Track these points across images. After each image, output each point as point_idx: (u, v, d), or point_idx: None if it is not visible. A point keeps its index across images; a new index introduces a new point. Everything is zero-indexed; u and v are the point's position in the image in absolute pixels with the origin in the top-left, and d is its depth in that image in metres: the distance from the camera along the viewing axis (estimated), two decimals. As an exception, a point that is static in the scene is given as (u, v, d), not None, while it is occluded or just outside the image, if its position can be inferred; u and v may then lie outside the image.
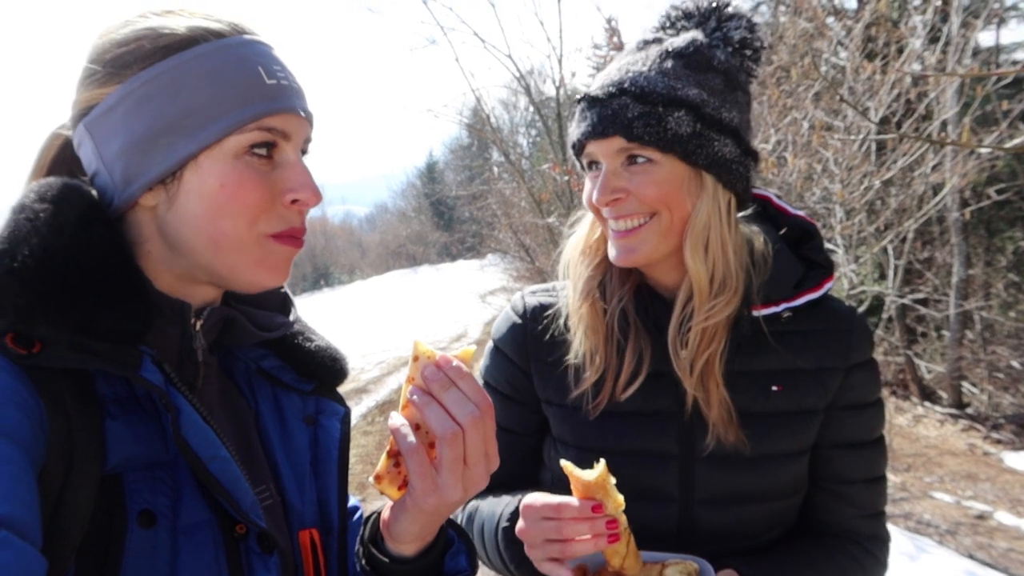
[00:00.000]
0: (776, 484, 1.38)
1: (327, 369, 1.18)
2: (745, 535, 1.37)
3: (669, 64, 1.32)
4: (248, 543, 0.95)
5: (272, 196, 0.97)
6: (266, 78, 0.96)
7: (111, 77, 0.94)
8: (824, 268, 1.41)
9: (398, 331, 17.64)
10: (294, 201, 0.98)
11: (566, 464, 1.18)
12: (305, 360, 1.16)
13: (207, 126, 0.93)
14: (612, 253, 1.38)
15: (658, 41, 1.38)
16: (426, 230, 48.86)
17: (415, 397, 0.96)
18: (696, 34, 1.36)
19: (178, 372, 0.99)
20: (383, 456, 0.99)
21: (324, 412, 1.16)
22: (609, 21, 8.09)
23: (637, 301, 1.44)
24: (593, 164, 1.39)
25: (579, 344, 1.45)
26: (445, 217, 47.02)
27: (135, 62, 0.93)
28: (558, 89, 11.88)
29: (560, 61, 11.24)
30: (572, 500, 1.19)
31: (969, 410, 8.66)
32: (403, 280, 36.20)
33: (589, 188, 1.38)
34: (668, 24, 1.43)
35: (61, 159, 1.03)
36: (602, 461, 1.17)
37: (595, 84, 1.38)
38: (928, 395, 9.14)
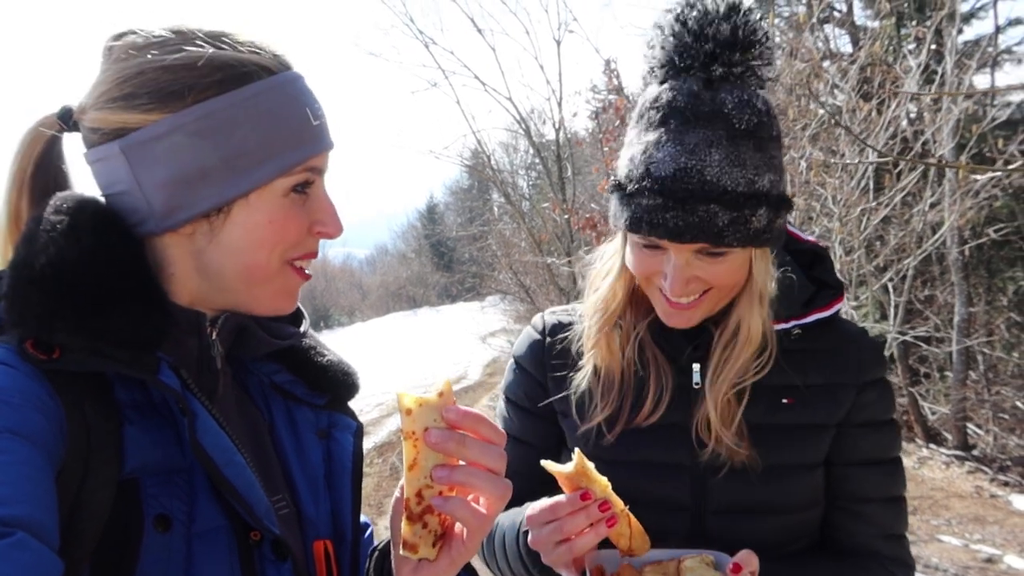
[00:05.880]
0: (787, 497, 1.38)
1: (339, 383, 1.19)
2: (758, 548, 1.34)
3: (746, 148, 1.25)
4: (262, 550, 0.96)
5: (305, 229, 1.02)
6: (312, 119, 1.00)
7: (158, 105, 0.93)
8: (834, 289, 1.43)
9: (398, 373, 17.53)
10: (319, 232, 1.03)
11: (545, 462, 1.20)
12: (317, 374, 1.18)
13: (261, 167, 0.96)
14: (662, 317, 1.39)
15: (708, 85, 1.27)
16: (426, 272, 48.96)
17: (448, 473, 0.90)
18: (749, 93, 1.27)
19: (198, 381, 1.00)
20: (404, 525, 0.92)
21: (337, 426, 1.18)
22: (608, 63, 8.21)
23: (653, 332, 1.45)
24: (649, 245, 1.32)
25: (595, 373, 1.47)
26: (445, 258, 47.11)
27: (187, 94, 0.93)
28: (558, 131, 12.01)
29: (560, 104, 11.40)
30: (563, 497, 1.20)
31: (975, 452, 8.53)
32: (403, 322, 36.12)
33: (643, 261, 1.34)
34: (680, 60, 1.29)
35: (48, 159, 1.02)
36: (576, 450, 1.19)
37: (653, 169, 1.26)
38: (933, 437, 9.03)
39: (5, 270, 0.89)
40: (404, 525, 0.92)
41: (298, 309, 1.20)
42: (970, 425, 8.81)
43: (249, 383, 1.16)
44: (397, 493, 0.98)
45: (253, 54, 0.98)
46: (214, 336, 1.04)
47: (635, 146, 1.32)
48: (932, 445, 8.80)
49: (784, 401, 1.38)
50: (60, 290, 0.86)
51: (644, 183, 1.26)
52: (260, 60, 0.98)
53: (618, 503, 1.20)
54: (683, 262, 1.29)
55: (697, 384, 1.41)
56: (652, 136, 1.28)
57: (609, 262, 1.50)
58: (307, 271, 1.06)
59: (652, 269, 1.33)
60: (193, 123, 0.93)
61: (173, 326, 0.95)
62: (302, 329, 1.18)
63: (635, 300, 1.47)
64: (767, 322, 1.37)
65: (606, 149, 8.39)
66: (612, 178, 1.39)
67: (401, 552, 0.94)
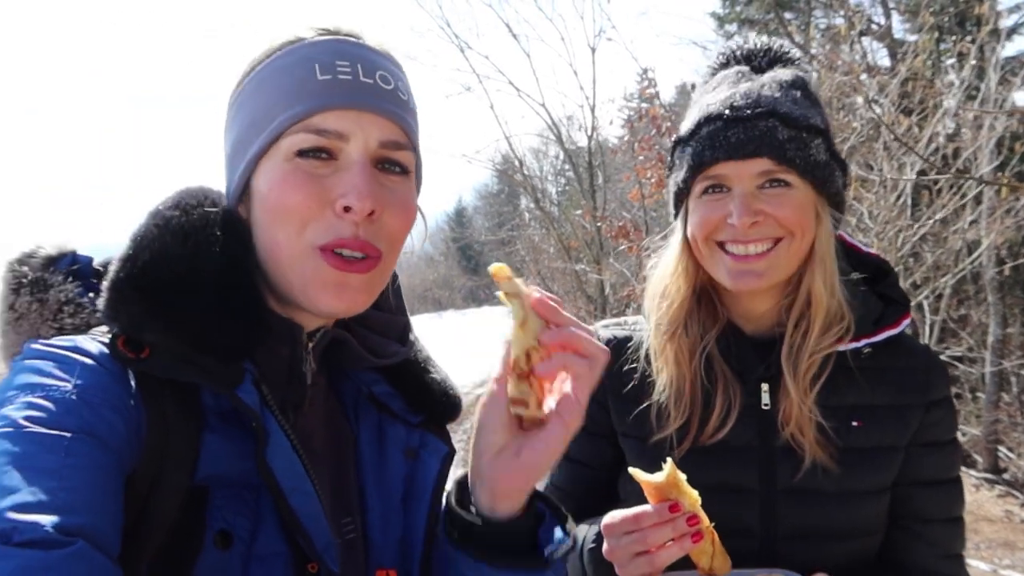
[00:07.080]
0: (858, 521, 1.36)
1: (439, 403, 1.12)
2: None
3: (797, 93, 1.33)
4: None
5: (322, 201, 0.89)
6: (319, 74, 0.89)
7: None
8: (901, 305, 1.41)
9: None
10: (347, 209, 0.88)
11: (634, 470, 1.16)
12: (418, 390, 1.10)
13: (262, 131, 0.91)
14: (728, 280, 1.34)
15: (757, 71, 1.39)
16: (453, 275, 48.91)
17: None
18: (794, 69, 1.38)
19: (285, 392, 0.96)
20: (512, 384, 0.92)
21: (427, 447, 1.08)
22: (645, 72, 8.21)
23: (722, 346, 1.42)
24: (713, 188, 1.34)
25: (663, 385, 1.42)
26: (472, 262, 47.09)
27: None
28: (590, 138, 12.01)
29: (592, 111, 11.40)
30: (648, 507, 1.16)
31: (1006, 475, 8.37)
32: (428, 324, 36.15)
33: (707, 212, 1.34)
34: (734, 60, 1.45)
35: None
36: (669, 460, 1.15)
37: (713, 107, 1.33)
38: (963, 458, 8.86)
39: (113, 261, 0.87)
40: (511, 385, 0.92)
41: (407, 326, 1.14)
42: (1001, 448, 8.64)
43: (344, 390, 1.10)
44: (496, 374, 0.95)
45: (298, 28, 0.95)
46: (309, 348, 0.99)
47: (694, 109, 1.39)
48: (962, 467, 8.65)
49: (854, 424, 1.35)
50: (158, 288, 0.83)
51: (702, 120, 1.33)
52: (296, 32, 0.95)
53: (705, 519, 1.15)
54: (748, 190, 1.29)
55: (766, 405, 1.38)
56: (709, 96, 1.37)
57: (669, 265, 1.47)
58: (354, 258, 0.91)
59: (717, 215, 1.32)
60: (231, 106, 0.97)
61: (267, 333, 0.91)
62: (407, 346, 1.11)
63: (701, 308, 1.44)
64: (837, 290, 1.34)
65: (640, 158, 8.37)
66: (674, 136, 1.44)
67: (512, 410, 0.92)
